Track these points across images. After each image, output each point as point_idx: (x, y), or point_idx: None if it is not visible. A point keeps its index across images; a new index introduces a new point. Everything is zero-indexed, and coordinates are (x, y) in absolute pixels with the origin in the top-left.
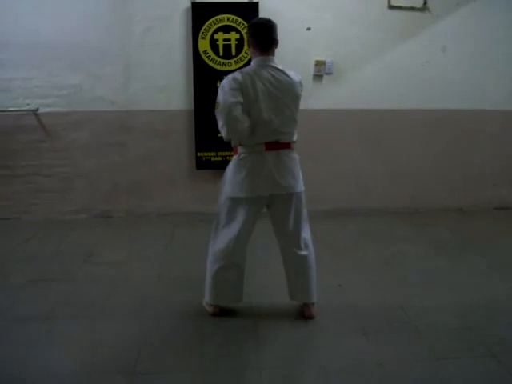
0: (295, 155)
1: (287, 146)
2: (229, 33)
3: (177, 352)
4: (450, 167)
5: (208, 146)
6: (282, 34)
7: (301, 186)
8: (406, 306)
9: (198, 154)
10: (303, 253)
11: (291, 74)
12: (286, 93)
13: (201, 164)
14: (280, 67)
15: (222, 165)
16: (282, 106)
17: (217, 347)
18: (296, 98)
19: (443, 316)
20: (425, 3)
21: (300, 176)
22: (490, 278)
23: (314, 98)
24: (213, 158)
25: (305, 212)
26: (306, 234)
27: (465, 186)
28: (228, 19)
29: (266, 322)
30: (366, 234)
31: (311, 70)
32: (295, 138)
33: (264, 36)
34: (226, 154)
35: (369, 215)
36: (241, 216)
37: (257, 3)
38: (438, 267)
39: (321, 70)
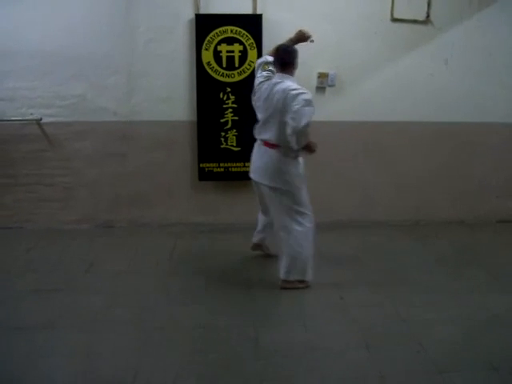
0: (279, 156)
1: (273, 146)
2: (232, 44)
3: (177, 364)
4: (453, 179)
5: (210, 157)
6: None
7: (269, 182)
8: (407, 319)
9: (201, 165)
10: (280, 234)
11: (287, 86)
12: (274, 101)
13: (203, 175)
14: (284, 81)
15: (225, 176)
16: (268, 112)
17: (217, 360)
18: (279, 106)
19: (445, 329)
20: (427, 16)
21: (277, 174)
22: (492, 291)
23: (317, 110)
24: (215, 169)
25: (277, 204)
26: (283, 221)
27: (467, 198)
28: (231, 31)
29: (267, 334)
30: (367, 247)
31: (314, 82)
32: (280, 141)
33: (280, 58)
34: (229, 165)
35: (370, 227)
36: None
37: (260, 15)
38: (439, 280)
39: (323, 83)
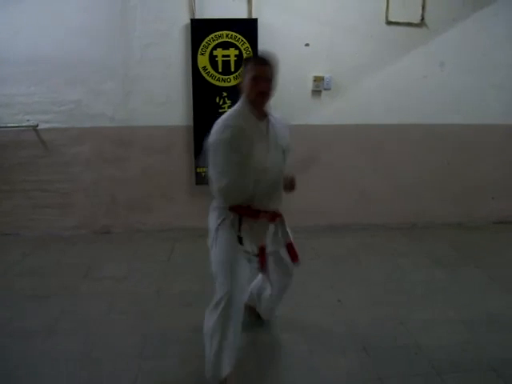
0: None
1: None
2: (228, 49)
3: (176, 367)
4: (450, 181)
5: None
6: (280, 50)
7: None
8: (406, 321)
9: (198, 170)
10: None
11: None
12: None
13: (200, 179)
14: None
15: None
16: None
17: None
18: None
19: (443, 330)
20: (422, 19)
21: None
22: (489, 291)
23: (313, 114)
24: None
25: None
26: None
27: (464, 200)
28: (227, 35)
29: (265, 336)
30: (365, 249)
31: (310, 86)
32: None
33: None
34: None
35: (368, 230)
36: None
37: (256, 19)
38: (437, 281)
39: (319, 86)
